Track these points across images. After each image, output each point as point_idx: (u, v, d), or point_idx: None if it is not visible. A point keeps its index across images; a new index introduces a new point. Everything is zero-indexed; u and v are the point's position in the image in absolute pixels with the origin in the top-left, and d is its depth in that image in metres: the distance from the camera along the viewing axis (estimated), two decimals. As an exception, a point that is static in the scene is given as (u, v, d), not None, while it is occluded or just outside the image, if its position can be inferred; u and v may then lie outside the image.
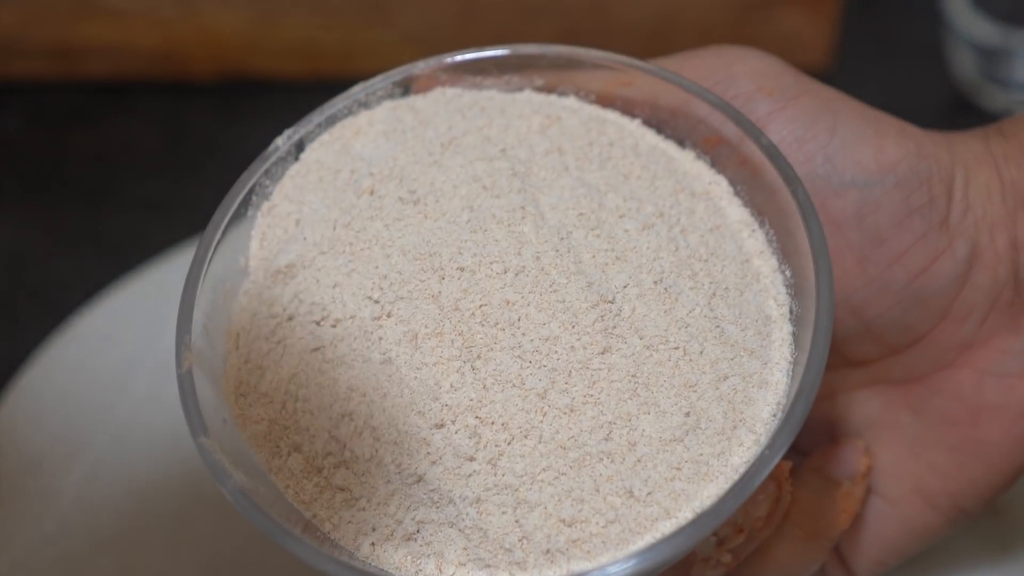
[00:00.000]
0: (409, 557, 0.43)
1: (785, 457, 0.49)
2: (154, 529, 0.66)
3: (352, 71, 0.52)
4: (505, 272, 0.44)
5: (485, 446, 0.42)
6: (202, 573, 0.65)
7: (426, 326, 0.44)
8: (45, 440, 0.70)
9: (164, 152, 0.87)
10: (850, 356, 0.54)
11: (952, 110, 0.85)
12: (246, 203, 0.48)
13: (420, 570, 0.42)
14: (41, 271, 0.82)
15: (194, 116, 0.88)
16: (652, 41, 0.84)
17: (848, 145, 0.50)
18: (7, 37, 0.87)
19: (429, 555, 0.42)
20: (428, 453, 0.42)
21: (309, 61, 0.88)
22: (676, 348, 0.44)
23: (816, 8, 0.83)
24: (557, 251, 0.45)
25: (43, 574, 0.65)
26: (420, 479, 0.42)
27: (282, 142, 0.49)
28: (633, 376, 0.43)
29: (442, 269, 0.44)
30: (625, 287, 0.45)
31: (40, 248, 0.83)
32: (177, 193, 0.85)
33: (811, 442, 0.56)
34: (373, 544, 0.43)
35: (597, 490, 0.42)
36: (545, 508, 0.42)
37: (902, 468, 0.54)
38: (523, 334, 0.43)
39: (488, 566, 0.42)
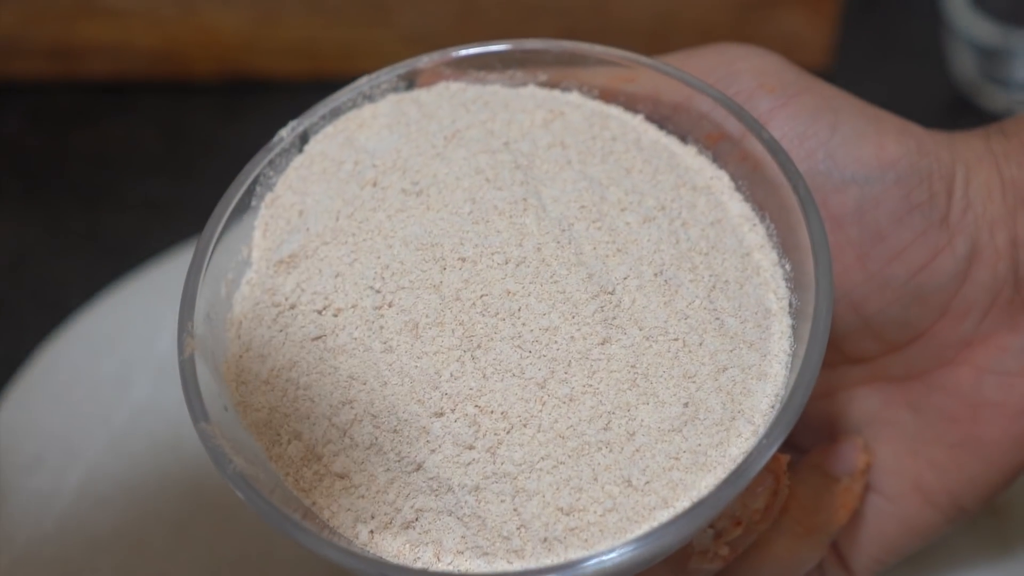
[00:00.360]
0: (407, 545, 0.43)
1: (784, 453, 0.49)
2: (153, 530, 0.66)
3: (352, 71, 0.52)
4: (506, 263, 0.44)
5: (484, 435, 0.42)
6: (201, 574, 0.65)
7: (427, 316, 0.44)
8: (45, 440, 0.70)
9: (164, 152, 0.88)
10: (850, 353, 0.54)
11: (952, 110, 0.85)
12: (250, 194, 0.48)
13: (418, 558, 0.42)
14: (41, 271, 0.82)
15: (194, 116, 0.89)
16: (652, 41, 0.84)
17: (849, 142, 0.50)
18: (7, 37, 0.87)
19: (427, 543, 0.43)
20: (427, 441, 0.43)
21: (309, 61, 0.88)
22: (675, 339, 0.44)
23: (816, 8, 0.83)
24: (558, 242, 0.45)
25: (43, 574, 0.65)
26: (419, 467, 0.43)
27: (286, 133, 0.49)
28: (632, 367, 0.43)
29: (444, 259, 0.45)
30: (625, 279, 0.45)
31: (40, 248, 0.83)
32: (177, 193, 0.85)
33: (810, 440, 0.56)
34: (371, 532, 0.43)
35: (595, 479, 0.42)
36: (543, 497, 0.42)
37: (901, 465, 0.54)
38: (523, 324, 0.44)
39: (486, 554, 0.42)
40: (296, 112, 0.50)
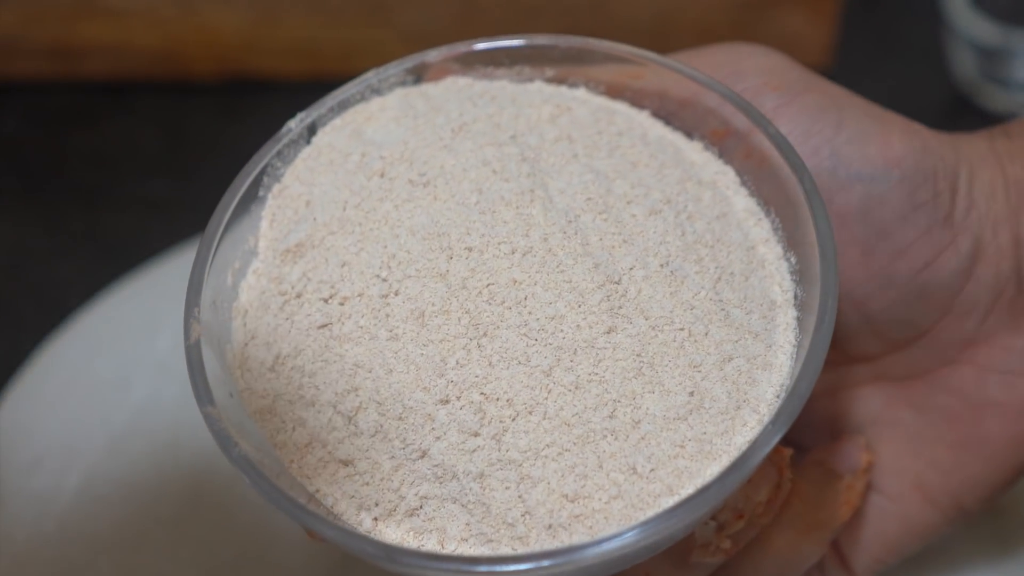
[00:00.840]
0: (411, 532, 0.43)
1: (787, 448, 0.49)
2: (153, 530, 0.66)
3: (352, 71, 0.52)
4: (513, 252, 0.45)
5: (489, 422, 0.42)
6: (201, 574, 0.65)
7: (433, 304, 0.44)
8: (45, 440, 0.69)
9: (164, 152, 0.88)
10: (853, 352, 0.54)
11: (952, 110, 0.85)
12: (257, 184, 0.48)
13: (422, 545, 0.43)
14: (41, 271, 0.82)
15: (194, 116, 0.89)
16: (652, 41, 0.83)
17: (854, 140, 0.50)
18: (7, 37, 0.87)
19: (431, 530, 0.43)
20: (432, 428, 0.43)
21: (309, 61, 0.88)
22: (681, 329, 0.44)
23: (816, 8, 0.83)
24: (565, 233, 0.45)
25: (43, 574, 0.65)
26: (424, 454, 0.43)
27: (294, 125, 0.49)
28: (638, 355, 0.43)
29: (450, 249, 0.45)
30: (631, 269, 0.45)
31: (40, 248, 0.83)
32: (177, 193, 0.85)
33: (813, 439, 0.56)
34: (375, 519, 0.43)
35: (600, 466, 0.42)
36: (548, 484, 0.42)
37: (902, 465, 0.54)
38: (529, 313, 0.44)
39: (490, 541, 0.42)
40: (296, 112, 0.50)
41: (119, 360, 0.73)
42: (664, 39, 0.84)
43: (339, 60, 0.87)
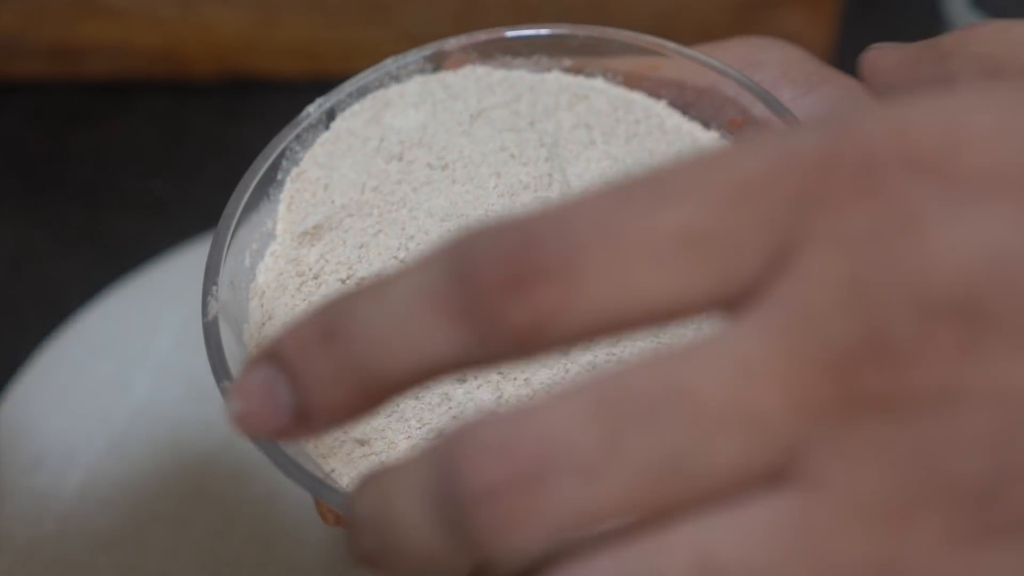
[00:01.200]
0: None
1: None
2: (154, 529, 0.66)
3: (352, 71, 0.52)
4: None
5: (507, 401, 0.42)
6: (201, 574, 0.65)
7: None
8: (45, 440, 0.69)
9: (165, 152, 0.87)
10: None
11: (951, 110, 0.85)
12: (276, 167, 0.49)
13: None
14: (41, 271, 0.81)
15: (194, 116, 0.89)
16: (652, 41, 0.84)
17: None
18: (7, 37, 0.87)
19: None
20: (450, 408, 0.43)
21: (309, 61, 0.88)
22: None
23: (816, 8, 0.84)
24: None
25: (43, 574, 0.65)
26: (441, 434, 0.42)
27: (313, 110, 0.50)
28: (655, 336, 0.43)
29: None
30: None
31: (40, 248, 0.83)
32: (178, 193, 0.85)
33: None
34: None
35: None
36: None
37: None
38: None
39: None
40: (297, 113, 0.50)
41: (119, 360, 0.72)
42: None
43: (339, 60, 0.87)
